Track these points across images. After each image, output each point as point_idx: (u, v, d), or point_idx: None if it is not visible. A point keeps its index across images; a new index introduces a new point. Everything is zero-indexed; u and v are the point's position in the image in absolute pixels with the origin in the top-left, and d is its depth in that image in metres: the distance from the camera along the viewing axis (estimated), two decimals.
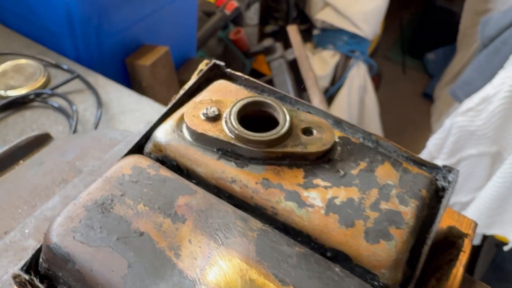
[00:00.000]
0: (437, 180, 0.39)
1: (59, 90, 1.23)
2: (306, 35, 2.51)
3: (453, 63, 2.69)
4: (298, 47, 1.89)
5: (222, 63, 0.46)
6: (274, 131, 0.37)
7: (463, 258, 0.37)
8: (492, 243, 1.80)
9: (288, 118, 0.38)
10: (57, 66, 1.28)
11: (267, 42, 2.00)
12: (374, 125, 2.50)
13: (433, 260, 0.38)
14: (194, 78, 0.45)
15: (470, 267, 1.82)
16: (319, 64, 2.45)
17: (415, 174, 0.38)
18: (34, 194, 0.59)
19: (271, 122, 0.40)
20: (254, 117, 0.41)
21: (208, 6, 1.93)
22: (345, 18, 2.29)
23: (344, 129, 0.42)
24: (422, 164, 0.40)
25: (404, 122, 2.91)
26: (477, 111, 1.58)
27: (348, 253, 0.33)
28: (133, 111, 1.24)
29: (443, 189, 0.38)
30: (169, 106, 0.42)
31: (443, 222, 0.46)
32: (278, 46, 1.99)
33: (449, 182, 0.38)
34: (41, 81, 1.24)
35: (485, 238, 1.71)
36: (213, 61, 0.46)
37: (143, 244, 0.31)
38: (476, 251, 1.79)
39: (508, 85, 1.42)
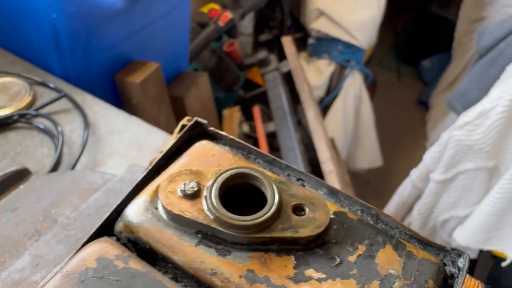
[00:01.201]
0: (445, 265, 0.34)
1: (45, 110, 1.18)
2: (301, 44, 2.47)
3: (449, 71, 2.67)
4: (293, 59, 1.85)
5: (204, 121, 0.41)
6: (260, 214, 0.33)
7: None
8: (488, 256, 1.77)
9: (277, 196, 0.34)
10: (43, 84, 1.24)
11: (261, 54, 1.95)
12: (369, 134, 2.47)
13: None
14: (173, 139, 0.40)
15: None
16: (314, 73, 2.41)
17: (420, 260, 0.33)
18: (4, 249, 0.55)
19: (258, 193, 0.35)
20: (240, 188, 0.36)
21: (201, 17, 1.89)
22: (340, 28, 2.26)
23: (340, 200, 0.38)
24: (427, 244, 0.35)
25: (400, 130, 2.88)
26: (474, 126, 1.55)
27: None
28: (121, 132, 1.19)
29: (452, 277, 0.34)
30: (144, 173, 0.38)
31: None
32: (273, 58, 1.95)
33: (459, 269, 0.34)
34: (26, 100, 1.19)
35: (481, 251, 1.68)
36: (195, 119, 0.41)
37: None
38: (472, 264, 1.77)
39: (505, 99, 1.39)
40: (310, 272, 0.32)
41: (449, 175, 1.64)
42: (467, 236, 1.58)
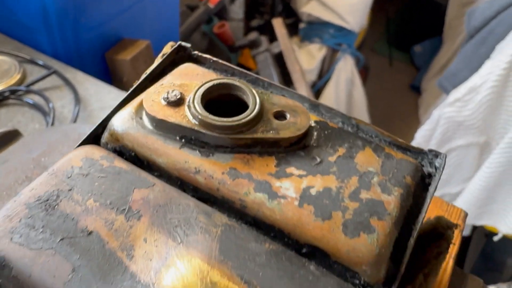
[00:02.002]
0: (423, 166, 0.35)
1: (35, 87, 1.18)
2: (293, 29, 2.47)
3: (440, 55, 2.68)
4: (284, 40, 1.85)
5: (188, 45, 0.42)
6: (242, 116, 0.34)
7: (453, 250, 0.34)
8: (481, 234, 1.78)
9: (258, 101, 0.35)
10: (32, 62, 1.24)
11: (252, 35, 1.96)
12: (362, 118, 2.47)
13: (420, 254, 0.34)
14: (157, 61, 0.41)
15: (460, 258, 1.80)
16: (306, 57, 2.41)
17: (398, 160, 0.34)
18: None
19: (242, 107, 0.36)
20: (222, 102, 0.37)
21: (191, 0, 1.89)
22: (331, 11, 2.26)
23: (322, 113, 0.39)
24: (406, 149, 0.36)
25: (392, 115, 2.89)
26: (464, 102, 1.56)
27: (325, 249, 0.29)
28: (112, 107, 1.20)
29: (430, 176, 0.35)
30: (129, 91, 0.38)
31: (430, 212, 0.43)
32: (264, 39, 1.95)
33: (436, 168, 0.35)
34: (16, 77, 1.19)
35: (474, 228, 1.69)
36: (179, 42, 0.42)
37: (91, 245, 0.28)
38: (466, 242, 1.78)
39: (495, 74, 1.40)
40: (291, 169, 0.33)
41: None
42: None
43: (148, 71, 0.40)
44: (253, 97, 0.35)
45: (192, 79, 0.38)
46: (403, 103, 2.93)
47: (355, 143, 0.35)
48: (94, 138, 0.36)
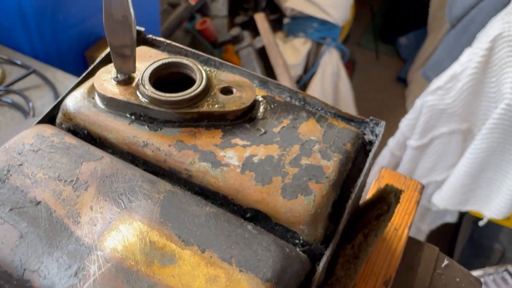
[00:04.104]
0: (364, 134, 0.37)
1: (15, 87, 1.19)
2: (277, 25, 2.48)
3: (425, 46, 2.70)
4: (266, 34, 1.87)
5: (142, 29, 0.43)
6: (188, 91, 0.35)
7: (409, 220, 0.35)
8: (470, 221, 1.80)
9: (204, 76, 0.36)
10: (11, 62, 1.24)
11: (235, 31, 1.97)
12: (349, 111, 2.48)
13: (363, 216, 0.36)
14: None
15: (450, 245, 1.83)
16: (291, 52, 2.43)
17: (340, 129, 0.36)
18: None
19: (191, 85, 0.38)
20: (172, 81, 0.38)
21: None
22: (314, 5, 2.28)
23: (270, 89, 0.40)
24: (350, 119, 0.38)
25: (380, 107, 2.91)
26: (446, 90, 1.58)
27: (265, 211, 0.31)
28: None
29: (371, 144, 0.36)
30: (83, 74, 0.40)
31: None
32: (246, 34, 1.96)
33: (376, 136, 0.36)
34: None
35: (463, 216, 1.71)
36: None
37: (39, 214, 0.29)
38: (455, 229, 1.80)
39: (474, 61, 1.42)
40: (236, 140, 0.34)
41: (424, 140, 1.67)
42: (445, 199, 1.61)
43: (103, 54, 0.41)
44: (199, 74, 0.36)
45: (144, 60, 0.40)
46: (390, 96, 2.95)
47: (300, 115, 0.37)
48: (50, 120, 0.38)
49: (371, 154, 0.35)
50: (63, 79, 1.26)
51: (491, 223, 1.58)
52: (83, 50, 1.38)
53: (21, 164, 0.32)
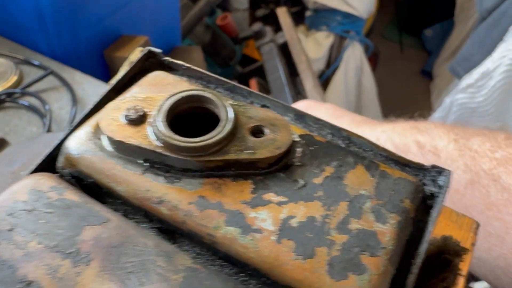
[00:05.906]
0: (424, 184, 0.30)
1: (32, 89, 1.16)
2: (299, 18, 2.41)
3: (451, 38, 2.59)
4: (289, 30, 1.79)
5: (159, 50, 0.37)
6: (211, 134, 0.29)
7: (460, 282, 0.29)
8: None
9: (231, 115, 0.30)
10: (28, 62, 1.21)
11: (256, 26, 1.90)
12: (372, 106, 2.41)
13: (423, 285, 0.29)
14: (123, 70, 0.36)
15: None
16: (313, 46, 2.35)
17: (396, 180, 0.29)
18: None
19: (216, 122, 0.32)
20: (194, 118, 0.32)
21: None
22: None
23: (309, 124, 0.34)
24: (404, 164, 0.32)
25: (404, 101, 2.81)
26: (477, 87, 1.49)
27: None
28: None
29: (432, 197, 0.30)
30: (91, 107, 0.34)
31: (437, 224, 0.38)
32: (268, 30, 1.89)
33: (440, 187, 0.30)
34: (12, 80, 1.16)
35: None
36: (148, 48, 0.37)
37: None
38: None
39: (508, 58, 1.33)
40: (270, 196, 0.28)
41: None
42: None
43: (113, 81, 0.36)
44: (225, 111, 0.30)
45: (161, 90, 0.34)
46: (415, 89, 2.85)
47: (346, 160, 0.30)
48: (50, 162, 0.32)
49: (434, 213, 0.28)
50: (81, 80, 1.22)
51: None
52: (102, 49, 1.34)
53: (11, 229, 0.26)
